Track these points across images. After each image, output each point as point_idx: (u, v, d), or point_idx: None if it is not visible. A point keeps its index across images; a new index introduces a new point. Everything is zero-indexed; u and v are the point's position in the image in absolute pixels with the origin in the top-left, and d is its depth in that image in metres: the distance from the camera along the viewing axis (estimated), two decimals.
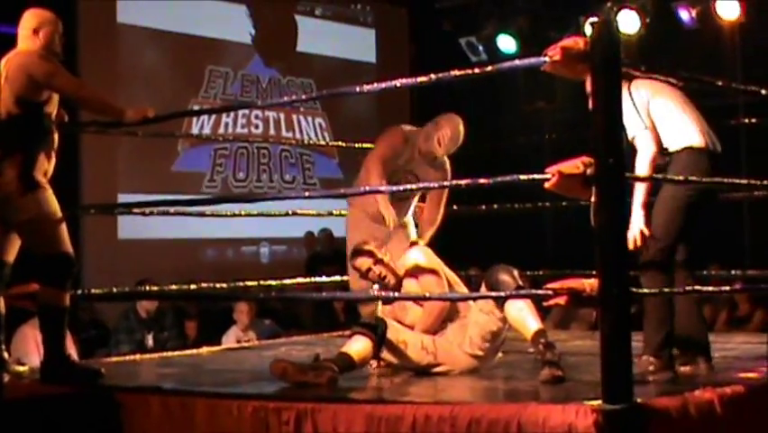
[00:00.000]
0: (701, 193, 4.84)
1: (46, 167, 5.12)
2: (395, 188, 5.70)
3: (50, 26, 5.19)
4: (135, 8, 11.41)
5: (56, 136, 5.20)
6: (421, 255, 5.42)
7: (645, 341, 4.75)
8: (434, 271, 5.35)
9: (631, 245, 4.64)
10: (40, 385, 5.07)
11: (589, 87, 4.84)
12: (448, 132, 6.03)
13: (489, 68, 4.59)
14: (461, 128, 6.03)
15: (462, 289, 5.54)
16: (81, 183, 10.35)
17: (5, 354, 5.27)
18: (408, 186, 5.77)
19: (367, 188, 5.49)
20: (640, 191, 4.77)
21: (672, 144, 4.84)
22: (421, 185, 5.87)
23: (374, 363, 5.15)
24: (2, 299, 5.24)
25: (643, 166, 4.74)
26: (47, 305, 5.12)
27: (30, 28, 5.16)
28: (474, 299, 5.26)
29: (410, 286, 5.34)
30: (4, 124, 5.03)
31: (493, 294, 5.01)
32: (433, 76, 4.61)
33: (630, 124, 4.69)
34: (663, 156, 4.86)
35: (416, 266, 5.36)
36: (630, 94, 4.78)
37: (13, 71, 5.04)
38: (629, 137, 4.73)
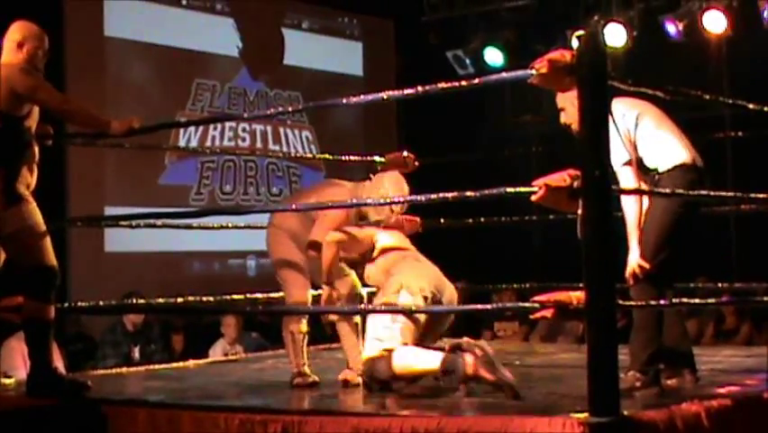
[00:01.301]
0: (691, 207, 4.87)
1: (29, 180, 5.10)
2: (409, 198, 5.56)
3: (34, 41, 5.15)
4: (122, 21, 11.40)
5: (36, 150, 5.19)
6: (387, 237, 5.50)
7: (632, 356, 4.76)
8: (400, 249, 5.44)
9: (630, 280, 4.68)
10: (26, 398, 5.05)
11: (560, 102, 4.89)
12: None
13: (477, 80, 4.60)
14: (405, 187, 5.67)
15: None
16: (68, 196, 10.32)
17: None
18: (414, 197, 5.63)
19: (371, 200, 5.37)
20: (633, 224, 4.79)
21: (662, 164, 4.85)
22: (410, 198, 5.80)
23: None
24: None
25: (629, 206, 4.78)
26: (32, 318, 5.10)
27: (14, 41, 5.13)
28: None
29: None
30: None
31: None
32: (420, 88, 4.62)
33: (613, 156, 4.56)
34: (652, 176, 4.88)
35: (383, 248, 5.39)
36: (612, 116, 4.78)
37: None
38: (614, 167, 4.73)
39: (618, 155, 4.72)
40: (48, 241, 5.11)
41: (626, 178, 4.78)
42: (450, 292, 5.32)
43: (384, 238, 5.48)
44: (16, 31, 5.16)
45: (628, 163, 4.80)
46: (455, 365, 4.75)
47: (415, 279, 5.18)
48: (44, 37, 5.22)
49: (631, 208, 4.80)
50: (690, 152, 4.90)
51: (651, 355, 4.74)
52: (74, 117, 5.38)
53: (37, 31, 5.20)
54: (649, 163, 4.86)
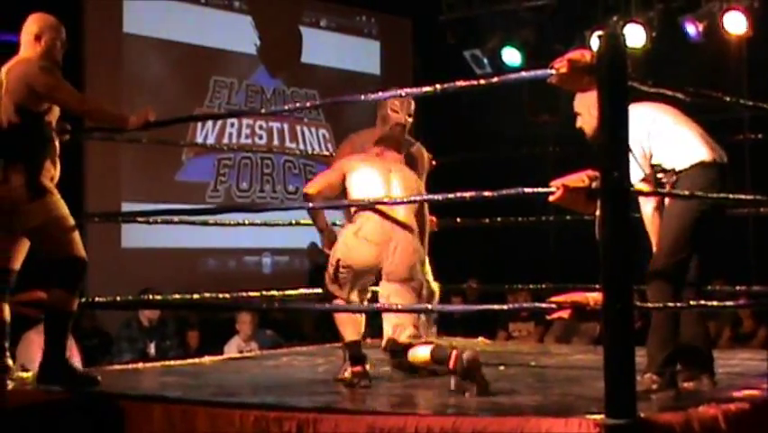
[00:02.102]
0: (712, 207, 4.83)
1: (52, 173, 5.13)
2: (427, 197, 5.58)
3: (51, 32, 5.17)
4: (141, 18, 11.44)
5: (57, 144, 5.21)
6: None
7: (649, 358, 4.73)
8: None
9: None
10: (44, 392, 5.06)
11: (576, 107, 4.87)
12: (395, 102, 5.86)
13: (495, 79, 4.59)
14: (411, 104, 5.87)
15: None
16: (85, 192, 10.35)
17: (10, 361, 5.27)
18: (431, 196, 5.65)
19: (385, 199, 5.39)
20: (653, 232, 4.81)
21: (680, 163, 4.82)
22: (428, 196, 5.81)
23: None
24: (7, 306, 5.23)
25: (648, 217, 4.80)
26: (55, 307, 5.10)
27: (32, 33, 5.15)
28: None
29: None
30: (6, 134, 5.03)
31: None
32: (438, 86, 4.61)
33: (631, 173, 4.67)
34: (670, 175, 4.85)
35: None
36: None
37: (13, 81, 5.03)
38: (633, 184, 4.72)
39: (634, 172, 4.71)
40: (75, 232, 5.13)
41: (643, 198, 4.80)
42: None
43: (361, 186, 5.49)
44: (33, 23, 5.18)
45: (644, 180, 4.78)
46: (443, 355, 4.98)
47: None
48: (61, 28, 5.23)
49: (649, 220, 4.81)
50: (711, 150, 4.86)
51: (667, 357, 4.71)
52: (92, 116, 5.41)
53: (54, 22, 5.22)
54: (668, 164, 4.84)
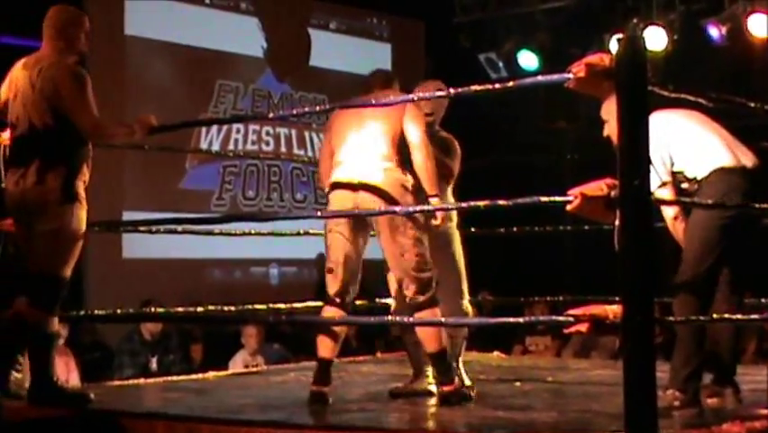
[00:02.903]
0: (737, 215, 4.81)
1: (86, 177, 5.18)
2: (440, 207, 5.47)
3: (74, 25, 5.25)
4: (143, 20, 11.46)
5: (90, 146, 5.24)
6: None
7: (672, 373, 4.72)
8: None
9: None
10: (39, 409, 5.06)
11: (605, 114, 4.86)
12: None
13: (511, 83, 4.59)
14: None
15: None
16: (86, 200, 10.33)
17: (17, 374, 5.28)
18: (444, 206, 5.56)
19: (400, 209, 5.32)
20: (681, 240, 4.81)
21: (701, 170, 4.82)
22: (441, 207, 5.77)
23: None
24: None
25: (672, 230, 4.83)
26: (33, 328, 5.08)
27: (54, 27, 5.21)
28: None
29: None
30: (43, 136, 5.07)
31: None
32: (451, 90, 4.61)
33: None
34: (692, 184, 4.85)
35: None
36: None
37: (47, 84, 5.07)
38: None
39: (653, 179, 4.71)
40: (76, 253, 5.13)
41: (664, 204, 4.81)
42: None
43: None
44: (55, 16, 5.25)
45: (665, 185, 4.78)
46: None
47: None
48: (85, 20, 5.31)
49: (673, 229, 4.82)
50: (734, 155, 4.85)
51: (691, 373, 4.70)
52: (99, 140, 5.42)
53: (77, 14, 5.32)
54: (689, 172, 4.84)
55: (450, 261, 5.55)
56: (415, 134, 5.17)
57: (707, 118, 4.96)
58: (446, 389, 5.10)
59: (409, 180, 5.17)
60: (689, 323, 4.66)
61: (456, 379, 5.21)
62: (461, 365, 5.51)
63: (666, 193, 4.79)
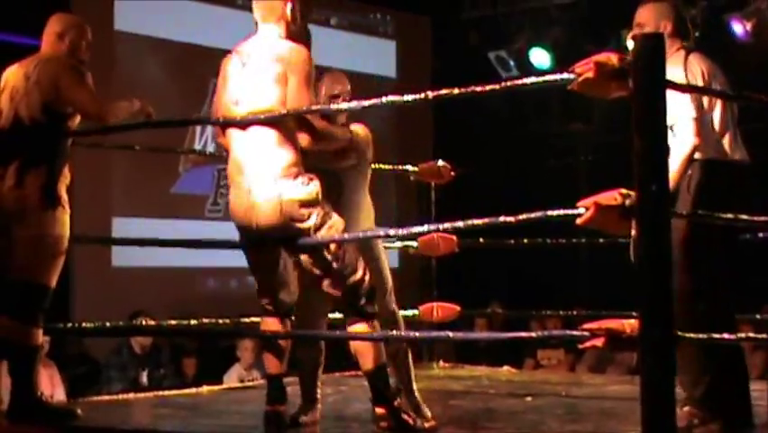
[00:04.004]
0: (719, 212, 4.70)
1: (68, 179, 5.20)
2: (446, 225, 5.39)
3: (75, 32, 5.35)
4: (134, 15, 11.46)
5: (69, 147, 5.27)
6: None
7: (686, 390, 4.70)
8: None
9: None
10: (25, 427, 5.06)
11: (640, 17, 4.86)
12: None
13: (517, 82, 4.58)
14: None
15: None
16: (72, 205, 10.35)
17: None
18: (452, 224, 5.48)
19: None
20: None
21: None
22: (447, 224, 5.79)
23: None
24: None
25: (676, 160, 4.62)
26: (14, 342, 5.06)
27: (54, 33, 5.32)
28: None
29: None
30: (28, 131, 5.09)
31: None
32: (457, 90, 4.62)
33: (676, 108, 4.53)
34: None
35: None
36: (686, 71, 4.73)
37: (44, 77, 5.12)
38: (668, 123, 4.65)
39: (684, 109, 4.64)
40: (61, 259, 5.13)
41: (688, 134, 4.65)
42: None
43: None
44: (56, 23, 5.35)
45: (694, 119, 4.69)
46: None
47: None
48: (86, 27, 5.43)
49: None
50: (723, 146, 4.77)
51: (707, 386, 4.68)
52: (106, 122, 5.42)
53: (78, 21, 5.44)
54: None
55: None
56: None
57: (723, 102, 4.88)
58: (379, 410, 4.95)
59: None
60: (711, 341, 4.64)
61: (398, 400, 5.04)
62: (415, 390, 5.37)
63: (692, 128, 4.67)
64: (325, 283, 4.89)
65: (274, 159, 4.79)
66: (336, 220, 4.83)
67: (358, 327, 4.89)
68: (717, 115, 4.82)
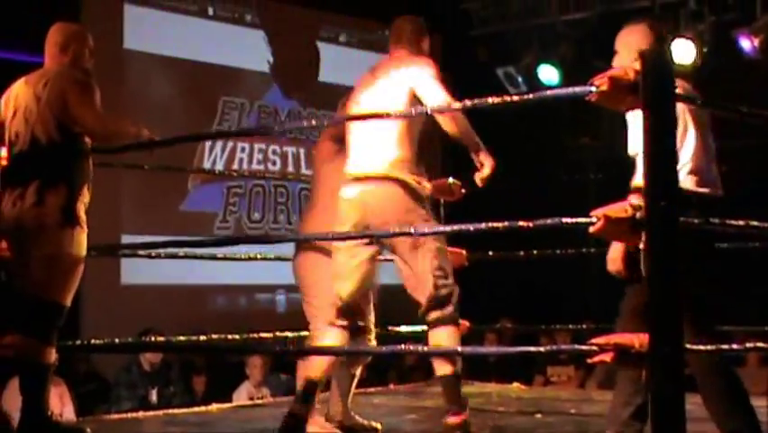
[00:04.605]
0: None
1: (87, 198, 5.17)
2: (456, 227, 5.42)
3: (78, 41, 5.32)
4: (143, 33, 11.49)
5: (91, 166, 5.25)
6: None
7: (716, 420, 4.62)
8: None
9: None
10: None
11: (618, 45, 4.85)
12: None
13: (530, 96, 4.59)
14: None
15: None
16: None
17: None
18: (461, 226, 5.53)
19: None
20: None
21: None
22: (457, 227, 5.78)
23: None
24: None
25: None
26: (28, 359, 5.04)
27: (57, 44, 5.27)
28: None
29: None
30: (46, 151, 5.07)
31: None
32: (467, 102, 4.62)
33: (634, 140, 4.50)
34: None
35: None
36: None
37: (54, 96, 5.09)
38: (631, 152, 4.56)
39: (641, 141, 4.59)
40: (77, 278, 5.12)
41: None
42: None
43: None
44: (57, 33, 5.29)
45: None
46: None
47: None
48: (87, 36, 5.39)
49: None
50: (691, 180, 4.71)
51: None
52: (111, 141, 5.42)
53: (78, 29, 5.39)
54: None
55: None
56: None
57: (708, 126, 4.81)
58: (452, 420, 4.99)
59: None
60: (720, 352, 4.61)
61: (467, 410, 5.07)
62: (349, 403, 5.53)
63: None
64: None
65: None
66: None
67: (441, 331, 4.95)
68: (688, 149, 4.74)
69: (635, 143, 4.50)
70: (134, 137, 5.37)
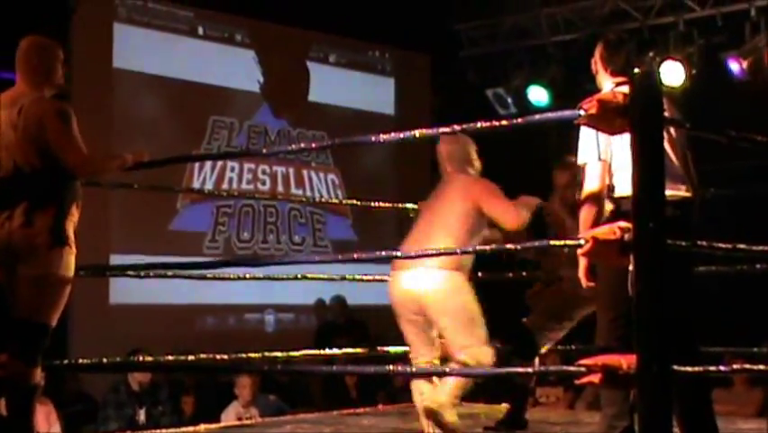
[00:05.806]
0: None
1: (76, 217, 5.16)
2: (443, 252, 5.49)
3: (50, 57, 5.22)
4: (133, 52, 11.49)
5: (80, 186, 5.24)
6: None
7: None
8: None
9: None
10: None
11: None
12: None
13: (519, 120, 4.59)
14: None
15: None
16: None
17: None
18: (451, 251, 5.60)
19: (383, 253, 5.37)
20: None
21: (621, 190, 4.62)
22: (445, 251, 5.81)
23: None
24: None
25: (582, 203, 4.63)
26: (14, 381, 5.01)
27: (29, 62, 5.16)
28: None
29: None
30: (29, 177, 5.04)
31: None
32: (456, 126, 4.63)
33: (583, 150, 4.60)
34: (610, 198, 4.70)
35: None
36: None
37: (30, 122, 5.02)
38: (580, 161, 4.64)
39: (589, 151, 4.61)
40: (64, 300, 5.10)
41: (592, 175, 4.62)
42: None
43: None
44: (28, 49, 5.20)
45: (600, 161, 4.61)
46: None
47: None
48: (59, 49, 5.28)
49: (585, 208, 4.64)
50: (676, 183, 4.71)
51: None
52: (90, 177, 5.43)
53: (48, 43, 5.25)
54: (616, 190, 4.66)
55: None
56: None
57: (670, 136, 4.80)
58: None
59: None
60: (709, 373, 4.62)
61: None
62: None
63: (597, 169, 4.61)
64: None
65: None
66: None
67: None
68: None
69: (585, 153, 4.56)
70: (119, 168, 5.37)
